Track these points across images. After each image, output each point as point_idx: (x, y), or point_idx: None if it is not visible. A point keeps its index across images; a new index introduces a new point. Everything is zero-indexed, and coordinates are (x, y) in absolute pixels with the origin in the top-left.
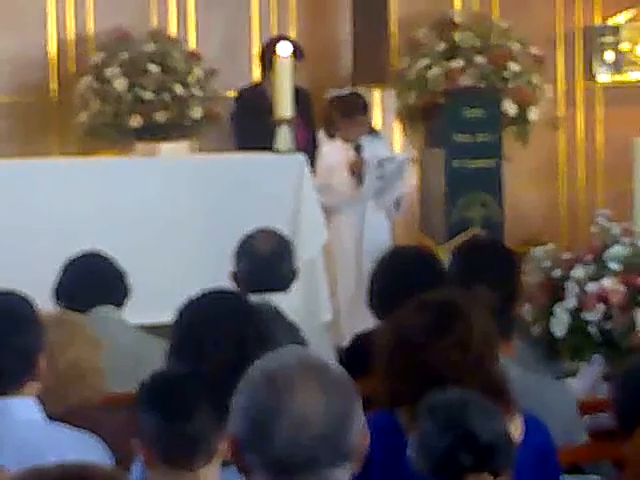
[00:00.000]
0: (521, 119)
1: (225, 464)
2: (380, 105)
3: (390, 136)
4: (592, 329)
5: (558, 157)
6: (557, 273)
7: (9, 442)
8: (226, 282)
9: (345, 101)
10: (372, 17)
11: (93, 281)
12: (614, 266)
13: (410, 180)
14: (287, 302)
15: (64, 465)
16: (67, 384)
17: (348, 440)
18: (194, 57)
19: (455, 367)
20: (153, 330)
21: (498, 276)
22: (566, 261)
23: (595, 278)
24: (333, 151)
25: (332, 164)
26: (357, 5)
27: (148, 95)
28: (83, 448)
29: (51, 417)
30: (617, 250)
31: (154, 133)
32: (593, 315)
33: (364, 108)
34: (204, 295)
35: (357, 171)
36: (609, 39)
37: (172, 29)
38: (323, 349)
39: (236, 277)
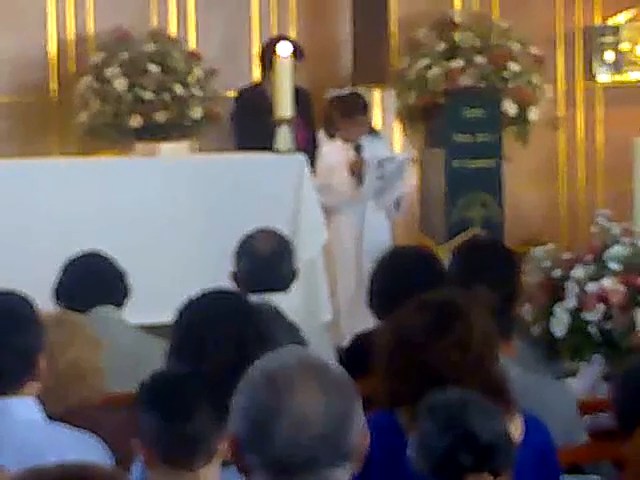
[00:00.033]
0: (521, 119)
1: (225, 464)
2: (380, 105)
3: (390, 136)
4: (592, 329)
5: (558, 157)
6: (557, 273)
7: (9, 442)
8: (226, 282)
9: (345, 101)
10: (372, 17)
11: (93, 281)
12: (614, 266)
13: (410, 180)
14: (287, 302)
15: (64, 465)
16: (67, 384)
17: (348, 440)
18: (194, 57)
19: (455, 367)
20: (153, 330)
21: (498, 276)
22: (566, 261)
23: (595, 278)
24: (333, 151)
25: (332, 164)
26: (357, 5)
27: (148, 95)
28: (83, 448)
29: (51, 417)
30: (617, 250)
31: (154, 133)
32: (593, 315)
33: (364, 108)
34: (204, 295)
35: (357, 171)
36: (609, 39)
37: (172, 29)
38: (323, 349)
39: (236, 277)
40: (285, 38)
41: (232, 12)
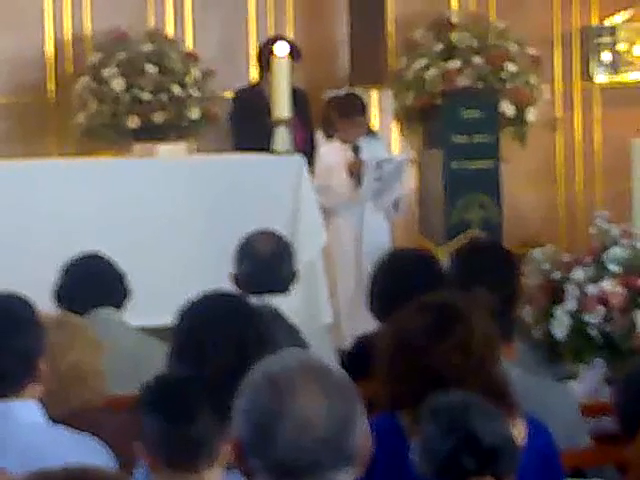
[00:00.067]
0: (519, 120)
1: (229, 468)
2: (377, 106)
3: (388, 137)
4: (593, 331)
5: (556, 158)
6: (557, 275)
7: (12, 445)
8: (226, 283)
9: (343, 102)
10: (369, 17)
11: (93, 283)
12: (614, 268)
13: (408, 181)
14: (287, 304)
15: (67, 468)
16: (68, 387)
17: (350, 443)
18: (191, 58)
19: (456, 370)
20: (154, 332)
21: (498, 278)
22: (565, 263)
23: (595, 280)
24: (331, 152)
25: (330, 165)
26: (354, 6)
27: (146, 96)
28: (86, 451)
29: (53, 420)
30: (616, 252)
31: (152, 134)
32: (594, 317)
33: (362, 109)
34: (204, 297)
35: (355, 172)
36: (606, 40)
37: (169, 30)
38: (324, 352)
39: (236, 279)
40: (282, 38)
41: (229, 13)
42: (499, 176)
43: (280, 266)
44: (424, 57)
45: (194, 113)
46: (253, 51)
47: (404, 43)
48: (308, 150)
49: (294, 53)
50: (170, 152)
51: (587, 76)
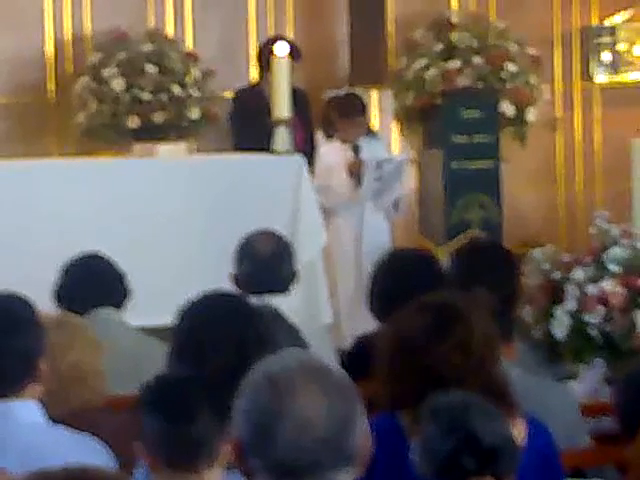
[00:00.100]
0: (519, 120)
1: (229, 468)
2: (377, 106)
3: (388, 137)
4: (593, 331)
5: (556, 158)
6: (557, 275)
7: (12, 445)
8: (226, 284)
9: (343, 102)
10: (369, 17)
11: (93, 283)
12: (614, 268)
13: (408, 181)
14: (287, 304)
15: (67, 468)
16: (68, 387)
17: (350, 443)
18: (191, 57)
19: (456, 370)
20: (154, 332)
21: (497, 278)
22: (565, 263)
23: (595, 280)
24: (331, 152)
25: (330, 165)
26: (354, 5)
27: (146, 96)
28: (86, 451)
29: (53, 420)
30: (616, 252)
31: (152, 134)
32: (593, 317)
33: (362, 109)
34: (204, 297)
35: (355, 172)
36: (606, 40)
37: (169, 29)
38: (324, 352)
39: (236, 279)
40: (282, 38)
41: (229, 12)
42: (499, 176)
43: (280, 266)
44: (424, 57)
45: (194, 113)
46: (253, 51)
47: (404, 43)
48: (308, 150)
49: (294, 53)
50: (170, 152)
51: (587, 76)
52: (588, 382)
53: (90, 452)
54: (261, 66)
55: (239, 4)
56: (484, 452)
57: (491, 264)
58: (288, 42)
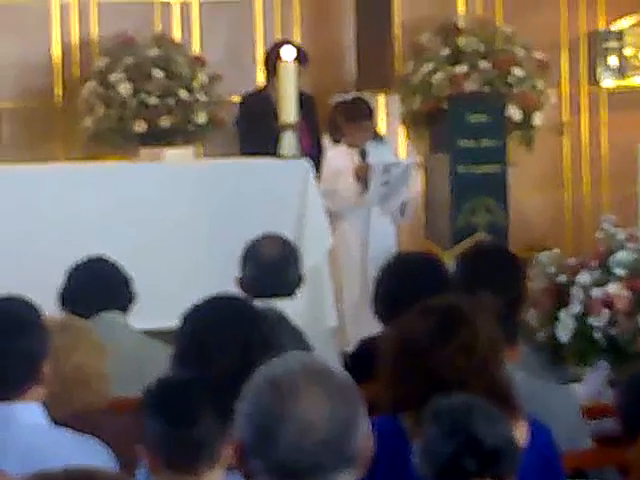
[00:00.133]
0: (526, 124)
1: (230, 469)
2: (384, 110)
3: (395, 141)
4: (597, 334)
5: (563, 162)
6: (562, 278)
7: (14, 447)
8: (232, 288)
9: (350, 106)
10: (376, 22)
11: (98, 286)
12: (619, 272)
13: (415, 185)
14: (292, 308)
15: (69, 470)
16: (72, 389)
17: (352, 445)
18: (198, 62)
19: (460, 372)
20: (159, 335)
21: (503, 281)
22: (571, 267)
23: (600, 284)
24: (338, 156)
25: (338, 169)
26: (361, 10)
27: (152, 100)
28: (88, 453)
29: (56, 422)
30: (622, 255)
31: (159, 138)
32: (598, 320)
33: (369, 113)
34: (209, 300)
35: (362, 176)
36: (613, 44)
37: (176, 34)
38: (328, 355)
39: (242, 282)
40: (289, 43)
41: (236, 17)
42: (506, 180)
43: (286, 270)
44: (431, 61)
45: (201, 117)
46: (260, 56)
47: (411, 47)
48: (315, 154)
49: (301, 57)
50: (177, 156)
51: (594, 80)
52: (591, 385)
53: (92, 454)
54: (268, 70)
55: (246, 9)
56: (485, 454)
57: (496, 267)
58: (295, 46)
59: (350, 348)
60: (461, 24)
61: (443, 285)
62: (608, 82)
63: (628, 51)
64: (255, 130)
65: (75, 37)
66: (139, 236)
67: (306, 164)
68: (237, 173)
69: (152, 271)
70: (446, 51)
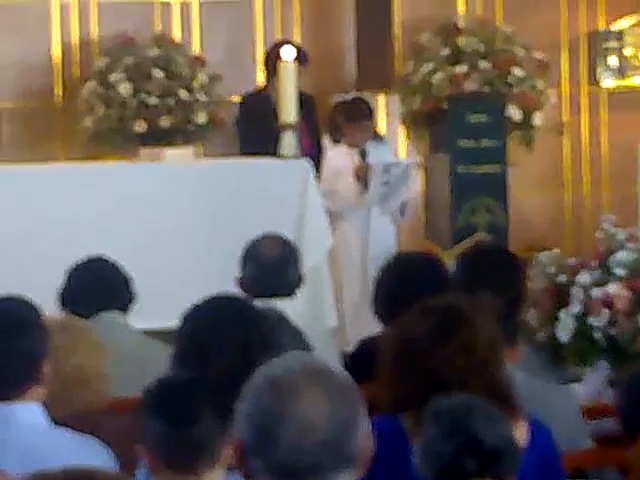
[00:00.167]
0: (526, 124)
1: (230, 469)
2: (384, 110)
3: (395, 141)
4: (597, 334)
5: (563, 162)
6: (562, 278)
7: (14, 447)
8: (232, 288)
9: (350, 106)
10: (376, 22)
11: (98, 286)
12: (619, 272)
13: (415, 185)
14: (292, 308)
15: (68, 470)
16: (72, 389)
17: (352, 445)
18: (198, 62)
19: (460, 372)
20: (159, 335)
21: (503, 281)
22: (571, 267)
23: (600, 284)
24: (338, 156)
25: (339, 168)
26: (361, 10)
27: (152, 100)
28: (88, 453)
29: (55, 422)
30: (622, 255)
31: (158, 138)
32: (598, 320)
33: (369, 113)
34: (209, 300)
35: (362, 176)
36: (613, 44)
37: (176, 34)
38: (328, 355)
39: (242, 282)
40: (289, 43)
41: (236, 17)
42: (506, 180)
43: (286, 270)
44: (431, 61)
45: (201, 117)
46: (260, 56)
47: (411, 47)
48: (315, 155)
49: (301, 57)
50: (177, 156)
51: (594, 80)
52: (591, 385)
53: (91, 454)
54: (268, 71)
55: (246, 9)
56: (485, 454)
57: (496, 268)
58: (295, 46)
59: (350, 348)
60: (461, 24)
61: (443, 285)
62: (608, 82)
63: (628, 51)
64: (255, 130)
65: (75, 37)
66: (139, 236)
67: (306, 164)
68: (237, 173)
69: (152, 271)
70: (446, 51)
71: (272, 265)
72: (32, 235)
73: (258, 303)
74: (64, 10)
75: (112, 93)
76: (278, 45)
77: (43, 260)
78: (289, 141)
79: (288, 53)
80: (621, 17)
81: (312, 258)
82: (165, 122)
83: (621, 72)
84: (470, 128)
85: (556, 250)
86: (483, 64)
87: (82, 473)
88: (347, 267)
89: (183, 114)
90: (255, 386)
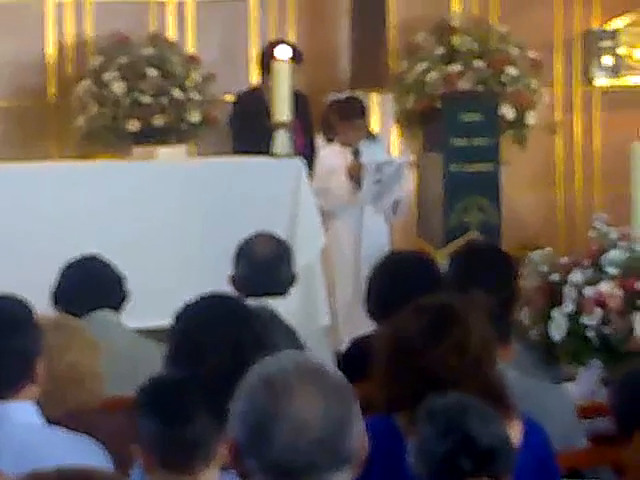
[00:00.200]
0: (519, 123)
1: (224, 469)
2: (378, 109)
3: (388, 140)
4: (590, 333)
5: (556, 161)
6: (555, 277)
7: (8, 446)
8: (224, 286)
9: (343, 105)
10: (370, 21)
11: (91, 285)
12: (612, 270)
13: (408, 184)
14: (285, 306)
15: (63, 469)
16: (65, 388)
17: (347, 445)
18: (192, 61)
19: (453, 371)
20: (152, 334)
21: (495, 280)
22: (564, 265)
23: (593, 282)
24: (331, 155)
25: (332, 167)
26: (355, 9)
27: (146, 99)
28: (82, 452)
29: (49, 421)
30: (615, 254)
31: (152, 137)
32: (591, 319)
33: (362, 112)
34: (202, 299)
35: (355, 175)
36: (607, 43)
37: (170, 33)
38: (321, 353)
39: (234, 281)
40: (284, 42)
41: (230, 16)
42: (498, 179)
43: (279, 269)
44: (425, 61)
45: (194, 116)
46: (254, 55)
47: (405, 46)
48: (308, 153)
49: (296, 56)
50: (170, 155)
51: (588, 80)
52: (585, 384)
53: (86, 453)
54: (262, 70)
55: (240, 8)
56: (480, 453)
57: (489, 266)
58: (290, 45)
59: (343, 347)
60: (455, 23)
61: (436, 284)
62: (602, 81)
63: (622, 50)
64: (248, 129)
65: (69, 36)
66: (131, 235)
67: (299, 163)
68: (230, 172)
69: (145, 270)
70: (440, 50)
71: (265, 264)
72: (24, 233)
73: (251, 302)
74: (59, 9)
75: (106, 92)
76: (273, 44)
77: (36, 258)
78: (282, 140)
79: (282, 52)
80: (615, 17)
81: (305, 257)
82: (158, 121)
83: (615, 71)
84: (463, 127)
85: (549, 249)
86: (477, 63)
87: (76, 472)
88: (340, 265)
89: (176, 113)
90: (249, 385)
